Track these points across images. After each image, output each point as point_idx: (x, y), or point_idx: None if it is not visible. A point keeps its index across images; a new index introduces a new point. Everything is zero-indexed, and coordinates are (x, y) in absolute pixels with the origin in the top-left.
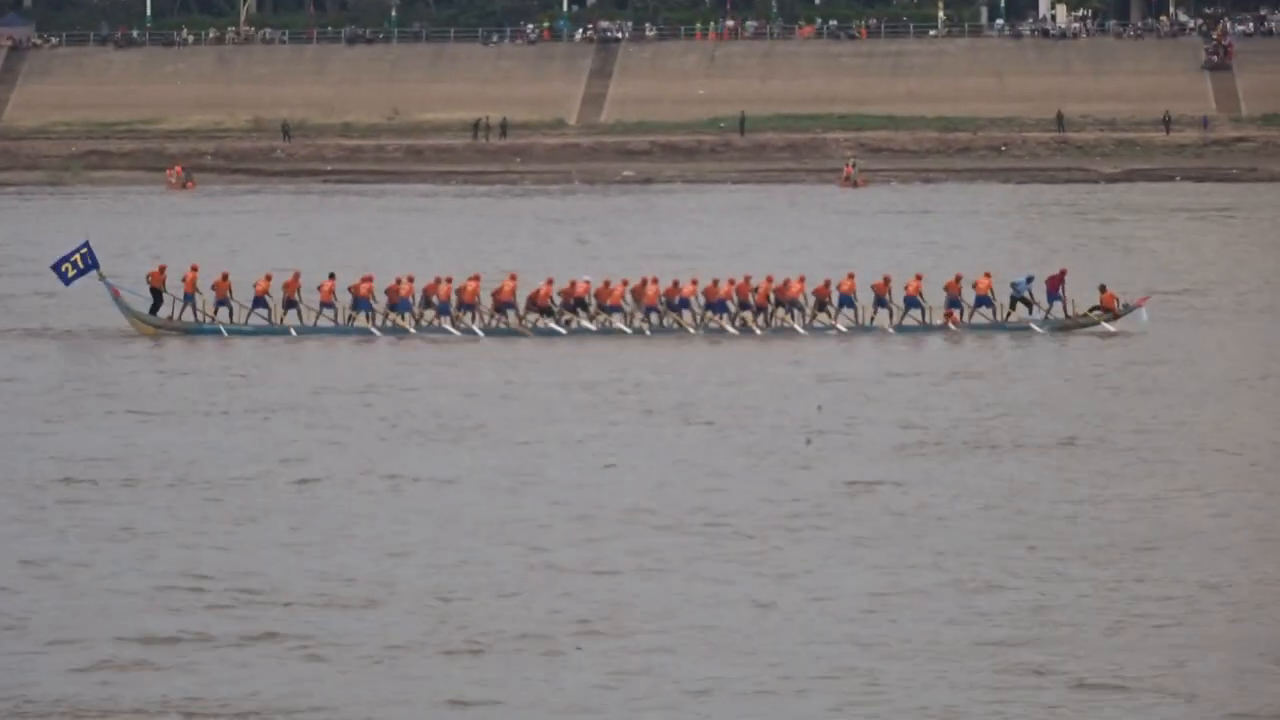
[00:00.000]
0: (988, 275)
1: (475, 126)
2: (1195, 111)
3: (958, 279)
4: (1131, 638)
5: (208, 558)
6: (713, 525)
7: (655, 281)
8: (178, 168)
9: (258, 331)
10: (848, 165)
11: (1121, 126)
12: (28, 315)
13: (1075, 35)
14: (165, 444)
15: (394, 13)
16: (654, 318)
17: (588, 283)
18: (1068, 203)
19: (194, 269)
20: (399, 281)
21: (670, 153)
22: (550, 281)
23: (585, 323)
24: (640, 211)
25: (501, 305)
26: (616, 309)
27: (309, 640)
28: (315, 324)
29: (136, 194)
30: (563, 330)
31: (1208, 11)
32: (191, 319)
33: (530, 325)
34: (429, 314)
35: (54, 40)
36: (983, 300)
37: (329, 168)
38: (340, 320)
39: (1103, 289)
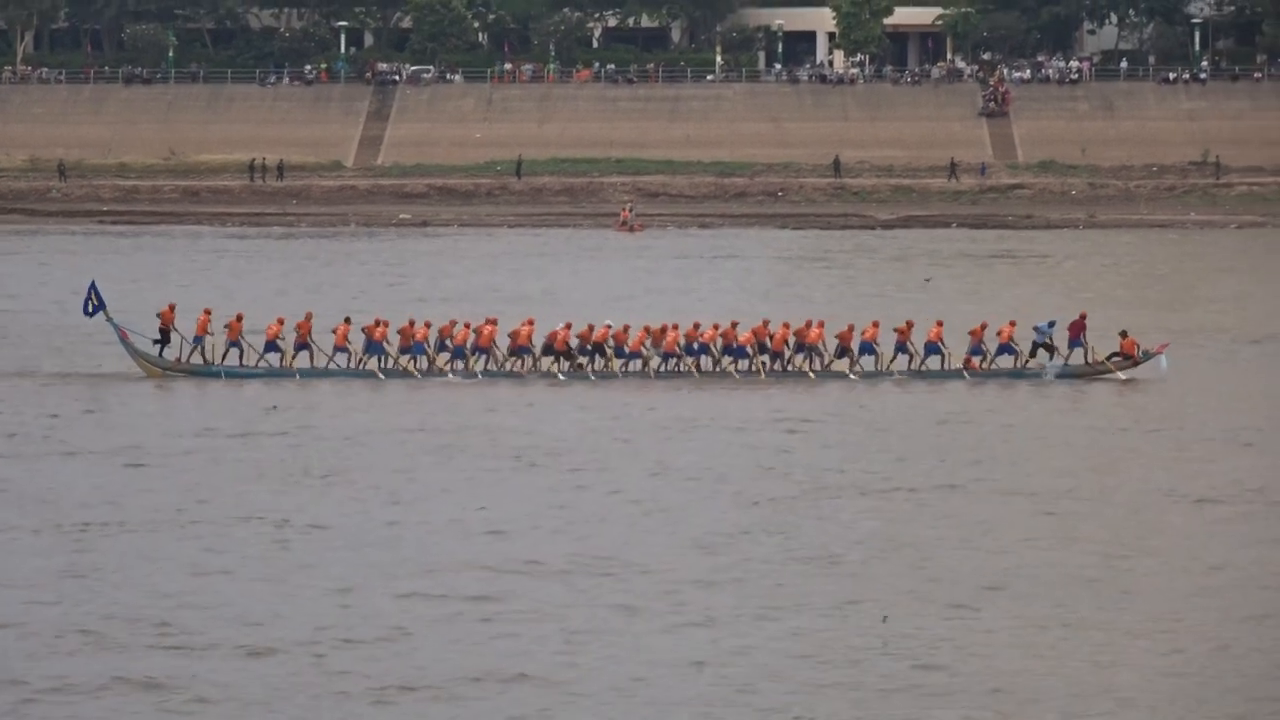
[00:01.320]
0: (1013, 324)
1: (251, 168)
2: (972, 158)
3: (983, 326)
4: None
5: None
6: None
7: (675, 327)
8: None
9: (268, 374)
10: (624, 210)
11: (898, 173)
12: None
13: (852, 81)
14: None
15: (171, 53)
16: (672, 362)
17: (607, 327)
18: (851, 247)
19: (207, 312)
20: (412, 324)
21: (447, 196)
22: (568, 325)
23: (606, 366)
24: (415, 255)
25: (518, 349)
26: (636, 354)
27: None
28: (327, 367)
29: None
30: (591, 375)
31: (985, 58)
32: (200, 361)
33: (549, 369)
34: (443, 357)
35: None
36: (1005, 348)
37: (105, 208)
38: (353, 364)
39: (1123, 334)
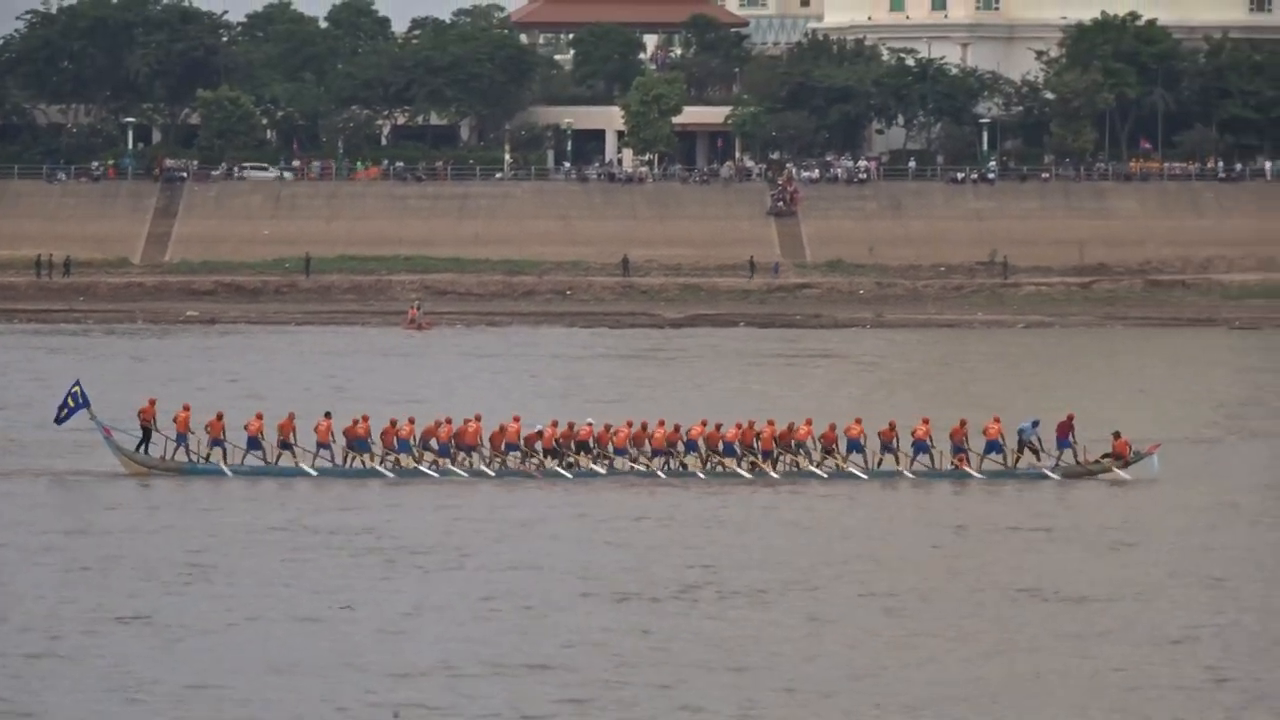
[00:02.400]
0: (997, 420)
1: (38, 264)
2: (761, 257)
3: (963, 424)
4: None
5: None
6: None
7: (661, 425)
8: None
9: (254, 472)
10: (412, 308)
11: (687, 271)
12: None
13: (641, 180)
14: None
15: None
16: (658, 461)
17: (589, 425)
18: (640, 348)
19: (186, 408)
20: (394, 424)
21: (235, 293)
22: (554, 424)
23: (592, 465)
24: (201, 352)
25: (506, 447)
26: (621, 452)
27: None
28: (314, 465)
29: None
30: (568, 475)
31: (773, 158)
32: (185, 459)
33: (535, 466)
34: (428, 455)
35: None
36: (993, 446)
37: None
38: (338, 461)
39: (1116, 435)
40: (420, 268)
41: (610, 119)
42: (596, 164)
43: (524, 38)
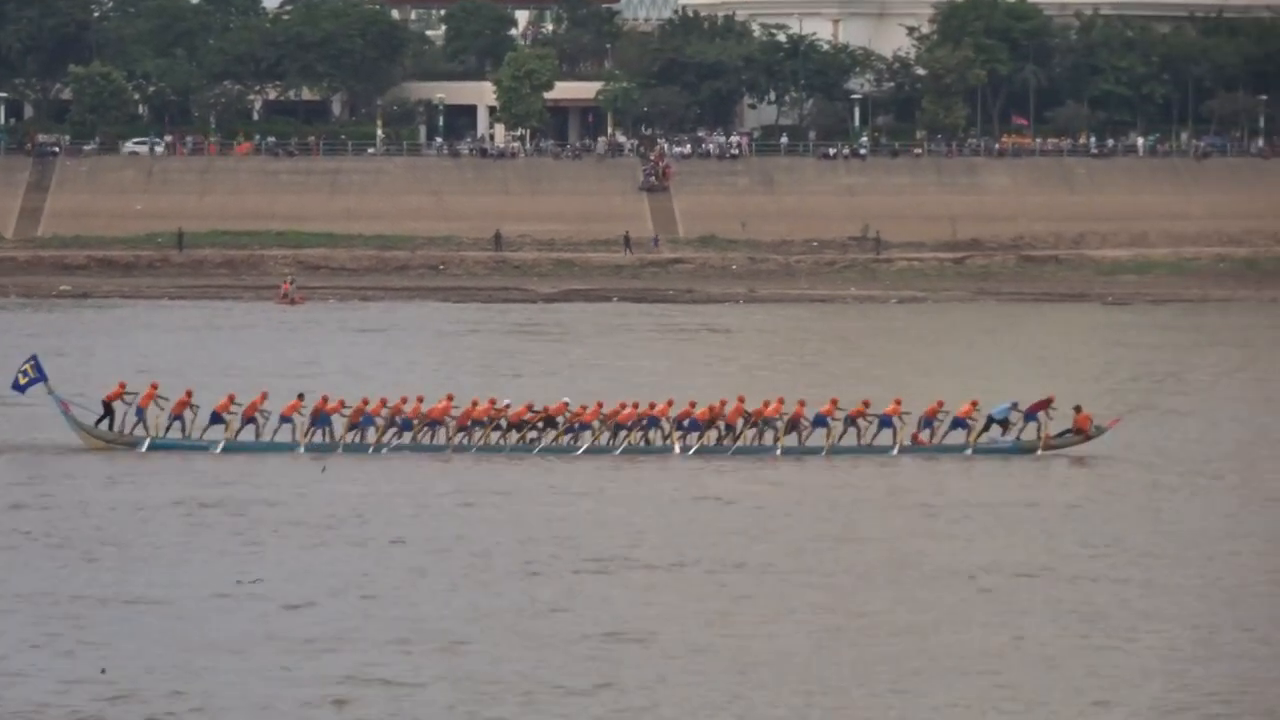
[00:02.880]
0: (974, 404)
1: None
2: (634, 232)
3: (939, 404)
4: None
5: None
6: None
7: (634, 406)
8: None
9: (211, 446)
10: (285, 282)
11: (559, 246)
12: None
13: (513, 155)
14: None
15: None
16: (622, 435)
17: (565, 403)
18: (515, 322)
19: (154, 386)
20: (365, 401)
21: (108, 268)
22: (529, 405)
23: (556, 440)
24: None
25: (473, 423)
26: (587, 427)
27: None
28: (273, 439)
29: None
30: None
31: (645, 133)
32: (142, 434)
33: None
34: (391, 431)
35: None
36: (958, 423)
37: None
38: (296, 437)
39: (1077, 410)
40: (293, 243)
41: (482, 94)
42: (468, 139)
43: (395, 13)
